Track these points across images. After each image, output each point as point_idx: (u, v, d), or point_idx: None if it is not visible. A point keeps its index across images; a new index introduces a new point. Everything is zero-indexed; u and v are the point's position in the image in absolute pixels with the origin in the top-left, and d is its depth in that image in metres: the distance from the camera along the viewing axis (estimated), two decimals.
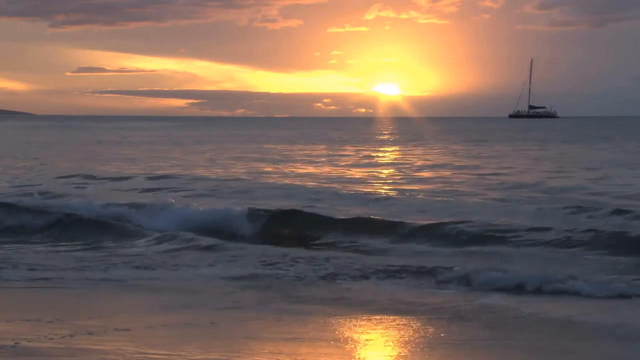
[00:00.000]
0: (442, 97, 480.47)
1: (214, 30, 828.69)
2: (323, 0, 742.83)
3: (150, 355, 8.79)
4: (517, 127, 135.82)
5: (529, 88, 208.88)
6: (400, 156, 52.06)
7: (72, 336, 9.61)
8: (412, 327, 10.60)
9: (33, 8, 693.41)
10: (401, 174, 36.65)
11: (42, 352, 8.83)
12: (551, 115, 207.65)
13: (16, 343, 9.11)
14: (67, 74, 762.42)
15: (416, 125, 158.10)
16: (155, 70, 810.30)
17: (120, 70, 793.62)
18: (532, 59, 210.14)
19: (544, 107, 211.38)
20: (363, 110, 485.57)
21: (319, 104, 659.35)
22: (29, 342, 9.22)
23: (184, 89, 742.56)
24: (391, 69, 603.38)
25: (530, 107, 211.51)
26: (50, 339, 9.47)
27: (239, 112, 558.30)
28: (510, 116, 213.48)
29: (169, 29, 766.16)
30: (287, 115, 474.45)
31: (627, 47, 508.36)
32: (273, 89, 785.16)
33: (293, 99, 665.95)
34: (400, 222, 20.16)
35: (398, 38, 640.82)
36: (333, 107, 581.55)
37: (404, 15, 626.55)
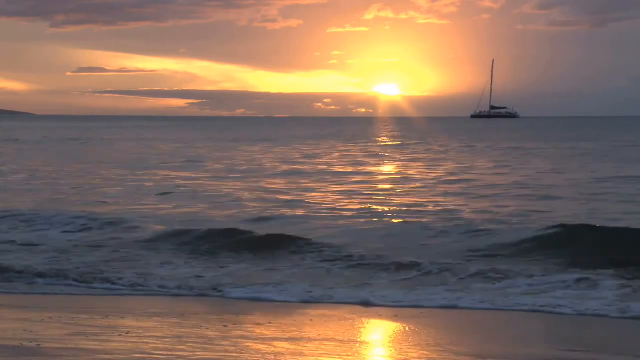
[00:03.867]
0: (442, 97, 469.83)
1: (214, 30, 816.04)
2: (323, 1, 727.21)
3: (152, 355, 8.44)
4: (454, 126, 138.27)
5: (491, 88, 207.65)
6: None
7: (74, 336, 9.32)
8: None
9: (33, 8, 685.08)
10: None
11: (46, 353, 8.46)
12: (512, 116, 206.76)
13: (22, 344, 8.78)
14: (67, 74, 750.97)
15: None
16: (155, 70, 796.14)
17: (120, 70, 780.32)
18: (493, 60, 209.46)
19: (505, 108, 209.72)
20: (363, 110, 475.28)
21: (319, 104, 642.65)
22: (32, 342, 8.87)
23: (184, 89, 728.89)
24: (391, 69, 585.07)
25: (492, 107, 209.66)
26: (54, 339, 9.14)
27: (239, 112, 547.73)
28: (473, 116, 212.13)
29: (169, 29, 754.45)
30: (287, 115, 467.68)
31: (627, 47, 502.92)
32: (273, 89, 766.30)
33: (293, 99, 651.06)
34: None
35: (398, 38, 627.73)
36: (333, 107, 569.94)
37: (403, 16, 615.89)
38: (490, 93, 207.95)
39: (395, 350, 9.19)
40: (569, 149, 57.10)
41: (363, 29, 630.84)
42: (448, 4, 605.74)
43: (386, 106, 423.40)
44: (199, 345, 9.03)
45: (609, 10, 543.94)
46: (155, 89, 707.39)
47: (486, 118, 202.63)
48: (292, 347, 9.07)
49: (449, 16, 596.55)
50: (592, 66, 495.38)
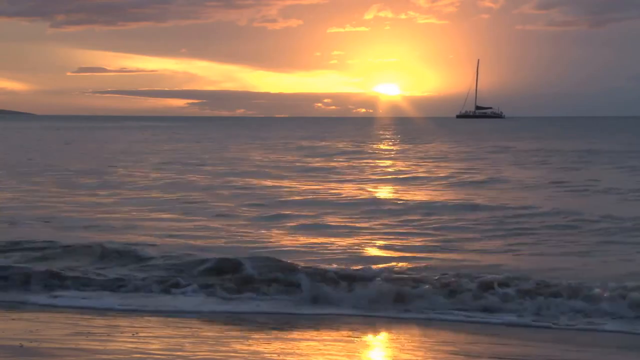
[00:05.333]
0: (442, 97, 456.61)
1: (214, 30, 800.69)
2: (323, 1, 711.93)
3: (152, 355, 8.24)
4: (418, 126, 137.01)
5: (476, 88, 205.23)
6: None
7: (74, 336, 9.13)
8: None
9: (34, 8, 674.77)
10: None
11: (46, 353, 8.25)
12: (497, 116, 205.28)
13: (22, 344, 8.58)
14: (68, 74, 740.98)
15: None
16: (155, 70, 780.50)
17: (120, 70, 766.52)
18: (478, 60, 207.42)
19: (490, 108, 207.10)
20: (363, 110, 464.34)
21: (319, 104, 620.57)
22: (32, 342, 8.66)
23: (184, 89, 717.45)
24: (391, 69, 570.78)
25: (477, 107, 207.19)
26: (54, 339, 8.94)
27: (239, 112, 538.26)
28: (458, 116, 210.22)
29: (170, 29, 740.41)
30: (287, 115, 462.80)
31: (626, 47, 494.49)
32: (273, 89, 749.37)
33: (293, 99, 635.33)
34: None
35: (398, 38, 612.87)
36: (333, 107, 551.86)
37: (402, 16, 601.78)
38: (476, 93, 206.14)
39: None
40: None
41: (363, 29, 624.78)
42: (448, 4, 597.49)
43: (386, 106, 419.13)
44: (199, 345, 8.85)
45: (609, 10, 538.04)
46: (156, 89, 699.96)
47: (471, 118, 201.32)
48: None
49: (448, 16, 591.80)
50: (590, 66, 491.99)
